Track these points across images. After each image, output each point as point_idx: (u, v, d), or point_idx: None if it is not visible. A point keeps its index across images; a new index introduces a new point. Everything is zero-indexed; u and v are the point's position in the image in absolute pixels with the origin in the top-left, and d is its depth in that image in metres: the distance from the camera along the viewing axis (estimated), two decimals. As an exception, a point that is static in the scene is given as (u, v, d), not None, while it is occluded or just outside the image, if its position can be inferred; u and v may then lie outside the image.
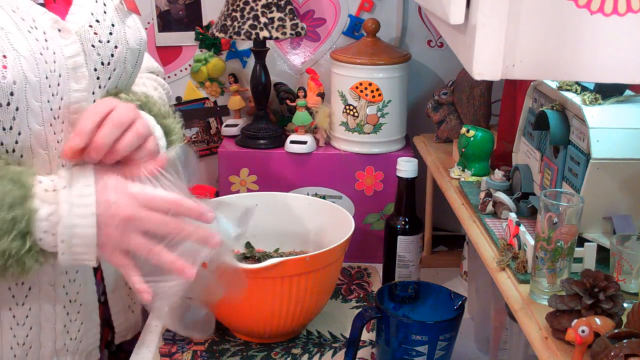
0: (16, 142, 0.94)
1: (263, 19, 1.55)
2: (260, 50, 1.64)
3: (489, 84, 1.54)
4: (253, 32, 1.55)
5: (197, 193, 1.66)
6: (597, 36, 0.68)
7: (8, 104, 0.91)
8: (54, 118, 0.97)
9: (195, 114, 1.82)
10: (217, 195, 1.67)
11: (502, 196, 1.19)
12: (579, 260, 1.00)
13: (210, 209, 0.97)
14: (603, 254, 1.00)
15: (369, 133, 1.63)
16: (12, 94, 0.90)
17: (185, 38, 1.77)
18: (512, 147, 1.29)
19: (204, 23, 1.75)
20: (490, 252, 1.09)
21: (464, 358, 1.30)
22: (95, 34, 1.01)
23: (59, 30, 0.97)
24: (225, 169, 1.68)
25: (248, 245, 1.41)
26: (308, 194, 1.63)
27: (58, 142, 0.99)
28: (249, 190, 1.67)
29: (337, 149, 1.67)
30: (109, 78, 1.04)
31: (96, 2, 1.03)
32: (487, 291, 1.24)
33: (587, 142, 1.00)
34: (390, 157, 1.62)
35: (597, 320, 0.82)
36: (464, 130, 1.39)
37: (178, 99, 1.81)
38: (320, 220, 1.40)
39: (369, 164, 1.65)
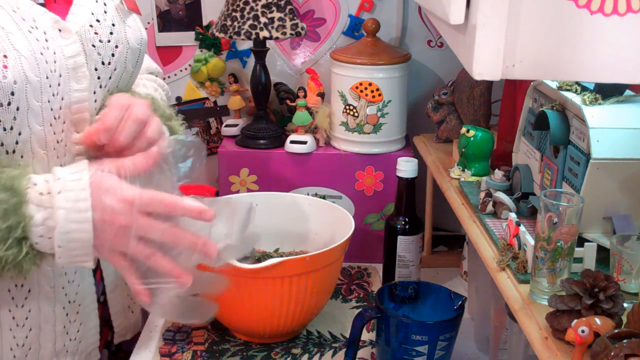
0: (16, 143, 0.94)
1: (263, 19, 1.55)
2: (260, 50, 1.64)
3: (489, 84, 1.54)
4: (253, 32, 1.55)
5: (197, 193, 1.66)
6: (597, 36, 0.68)
7: (9, 103, 0.91)
8: (54, 118, 0.97)
9: (195, 114, 1.82)
10: (217, 195, 1.67)
11: (502, 196, 1.19)
12: (579, 260, 1.00)
13: (210, 208, 0.96)
14: (603, 254, 1.00)
15: (369, 133, 1.63)
16: (12, 93, 0.90)
17: (185, 38, 1.77)
18: (512, 147, 1.29)
19: (204, 23, 1.75)
20: (490, 252, 1.09)
21: (464, 358, 1.30)
22: (96, 33, 1.01)
23: (60, 30, 0.97)
24: (225, 169, 1.68)
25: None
26: (308, 194, 1.63)
27: (58, 142, 0.99)
28: (249, 190, 1.67)
29: (337, 149, 1.67)
30: (110, 78, 1.04)
31: (96, 1, 1.03)
32: (487, 291, 1.24)
33: (587, 142, 1.00)
34: (390, 157, 1.62)
35: (597, 320, 0.82)
36: (464, 130, 1.39)
37: (178, 99, 1.81)
38: (320, 220, 1.40)
39: (369, 164, 1.65)
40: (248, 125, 1.71)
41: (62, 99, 0.97)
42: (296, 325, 1.28)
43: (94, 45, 1.01)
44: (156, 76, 1.29)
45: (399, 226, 1.39)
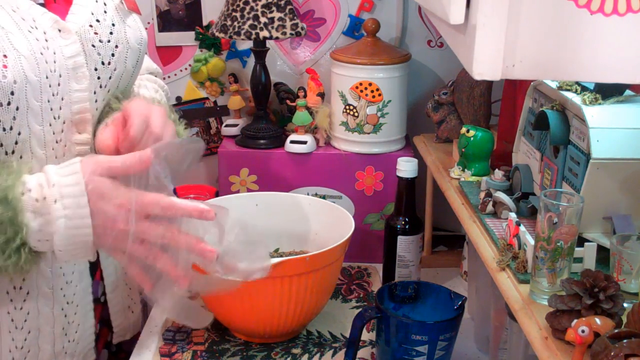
0: (16, 143, 0.94)
1: (263, 19, 1.55)
2: (260, 50, 1.64)
3: (489, 84, 1.54)
4: (253, 32, 1.55)
5: (197, 193, 1.67)
6: (597, 36, 0.68)
7: (9, 103, 0.90)
8: (54, 118, 0.97)
9: (195, 114, 1.82)
10: (217, 195, 1.67)
11: (502, 196, 1.19)
12: (579, 260, 1.00)
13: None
14: (603, 254, 1.00)
15: (369, 133, 1.63)
16: (12, 93, 0.90)
17: (185, 38, 1.77)
18: (512, 147, 1.29)
19: (204, 23, 1.75)
20: (490, 252, 1.09)
21: (464, 358, 1.30)
22: (96, 33, 1.01)
23: (59, 30, 0.97)
24: (225, 169, 1.68)
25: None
26: (308, 194, 1.63)
27: (57, 142, 0.99)
28: (249, 190, 1.67)
29: (337, 149, 1.67)
30: (110, 78, 1.04)
31: (96, 1, 1.03)
32: (487, 291, 1.24)
33: (587, 142, 1.00)
34: (390, 157, 1.62)
35: (597, 320, 0.82)
36: (464, 130, 1.39)
37: (178, 99, 1.81)
38: (320, 220, 1.40)
39: (369, 164, 1.65)
40: (248, 125, 1.71)
41: (62, 99, 0.97)
42: (296, 325, 1.28)
43: (93, 45, 1.01)
44: (156, 76, 1.29)
45: (399, 226, 1.39)
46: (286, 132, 1.71)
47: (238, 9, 1.55)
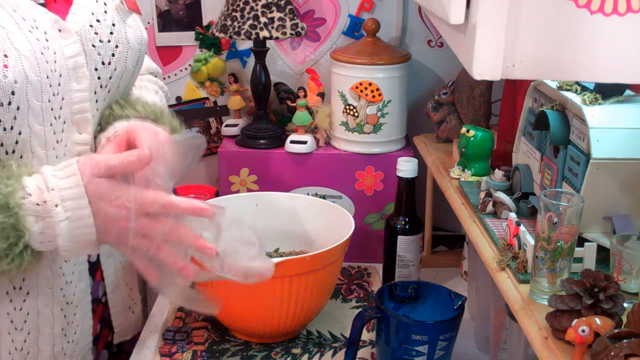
0: (16, 143, 0.94)
1: (263, 19, 1.55)
2: (260, 50, 1.64)
3: (489, 84, 1.54)
4: (253, 32, 1.55)
5: (197, 193, 1.67)
6: (597, 36, 0.68)
7: (9, 103, 0.90)
8: (55, 118, 0.97)
9: (195, 114, 1.82)
10: (217, 195, 1.67)
11: (502, 196, 1.19)
12: (579, 260, 1.00)
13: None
14: (603, 254, 1.00)
15: (369, 133, 1.63)
16: (13, 93, 0.90)
17: (185, 38, 1.77)
18: (512, 147, 1.29)
19: (204, 23, 1.75)
20: (490, 252, 1.09)
21: (464, 358, 1.30)
22: (96, 33, 1.01)
23: (60, 30, 0.97)
24: (225, 169, 1.68)
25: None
26: (308, 194, 1.63)
27: (58, 142, 0.99)
28: (249, 190, 1.67)
29: (337, 149, 1.67)
30: (110, 78, 1.04)
31: (97, 1, 1.03)
32: (487, 291, 1.24)
33: (587, 142, 1.00)
34: (390, 157, 1.62)
35: (597, 320, 0.82)
36: (464, 130, 1.39)
37: (178, 99, 1.81)
38: (320, 220, 1.40)
39: (369, 164, 1.65)
40: (248, 125, 1.71)
41: (63, 98, 0.97)
42: (296, 325, 1.28)
43: (94, 45, 1.01)
44: (156, 76, 1.29)
45: (399, 226, 1.39)
46: (286, 132, 1.71)
47: (238, 9, 1.55)
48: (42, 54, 0.93)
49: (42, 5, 0.98)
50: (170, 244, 0.94)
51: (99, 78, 1.02)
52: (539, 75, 0.72)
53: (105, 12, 1.03)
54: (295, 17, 1.59)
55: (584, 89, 1.08)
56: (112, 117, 1.05)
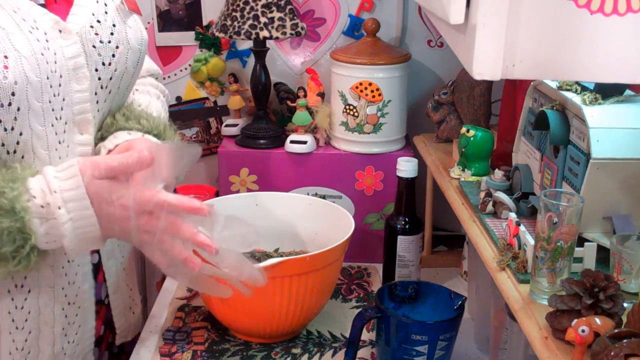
0: (17, 143, 0.94)
1: (263, 19, 1.55)
2: (260, 50, 1.64)
3: (489, 84, 1.54)
4: (253, 32, 1.55)
5: (197, 193, 1.67)
6: (597, 36, 0.68)
7: (10, 104, 0.91)
8: (56, 119, 0.97)
9: (195, 114, 1.82)
10: (217, 195, 1.67)
11: (502, 196, 1.19)
12: (579, 260, 1.00)
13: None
14: (603, 254, 1.00)
15: (369, 133, 1.63)
16: (13, 94, 0.90)
17: (185, 38, 1.77)
18: (512, 147, 1.29)
19: (204, 23, 1.75)
20: (490, 252, 1.09)
21: (464, 358, 1.30)
22: (97, 34, 1.01)
23: (60, 31, 0.97)
24: (225, 169, 1.68)
25: (248, 245, 1.41)
26: (308, 194, 1.63)
27: (60, 142, 0.99)
28: (249, 190, 1.67)
29: (337, 149, 1.67)
30: (111, 78, 1.04)
31: (97, 2, 1.03)
32: (487, 291, 1.24)
33: (587, 142, 1.00)
34: (390, 157, 1.62)
35: (597, 320, 0.82)
36: (464, 130, 1.39)
37: (178, 99, 1.81)
38: (320, 220, 1.40)
39: (369, 163, 1.65)
40: (248, 125, 1.71)
41: (64, 99, 0.98)
42: (296, 325, 1.28)
43: (94, 46, 1.01)
44: (156, 78, 1.29)
45: (399, 226, 1.39)
46: (286, 132, 1.71)
47: (238, 8, 1.55)
48: (42, 54, 0.93)
49: (43, 6, 0.98)
50: (172, 238, 0.96)
51: (99, 79, 1.02)
52: (539, 75, 0.72)
53: (106, 12, 1.03)
54: (295, 17, 1.59)
55: (584, 89, 1.08)
56: (115, 128, 1.06)
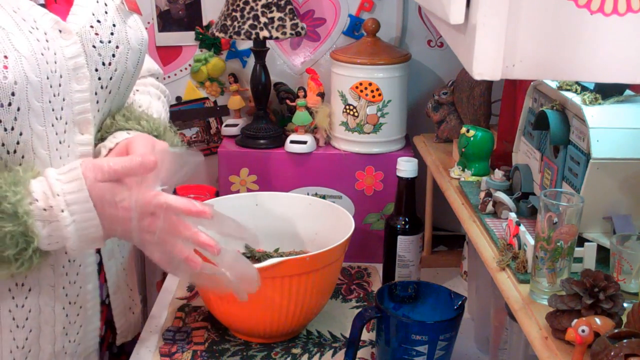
0: (17, 143, 0.94)
1: (263, 19, 1.55)
2: (260, 50, 1.64)
3: (489, 84, 1.54)
4: (253, 32, 1.55)
5: (197, 193, 1.67)
6: (597, 36, 0.68)
7: (9, 104, 0.91)
8: (56, 119, 0.97)
9: (195, 114, 1.82)
10: (217, 195, 1.67)
11: (502, 196, 1.19)
12: (579, 260, 1.00)
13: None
14: (603, 254, 1.00)
15: (369, 133, 1.63)
16: (13, 94, 0.90)
17: (185, 38, 1.76)
18: (512, 147, 1.29)
19: (204, 23, 1.75)
20: (490, 252, 1.09)
21: (464, 358, 1.30)
22: (97, 34, 1.01)
23: (60, 31, 0.97)
24: (225, 169, 1.68)
25: (247, 245, 1.41)
26: (308, 194, 1.63)
27: (60, 142, 0.99)
28: (249, 190, 1.67)
29: (337, 149, 1.67)
30: (111, 78, 1.04)
31: (97, 2, 1.03)
32: (487, 291, 1.24)
33: (587, 142, 1.00)
34: (390, 157, 1.62)
35: (597, 320, 0.82)
36: (464, 130, 1.39)
37: (178, 99, 1.81)
38: (320, 220, 1.40)
39: (369, 163, 1.65)
40: (248, 125, 1.71)
41: (64, 99, 0.98)
42: (296, 325, 1.28)
43: (94, 46, 1.01)
44: (157, 78, 1.29)
45: (399, 226, 1.39)
46: (286, 132, 1.71)
47: (238, 8, 1.55)
48: (42, 54, 0.93)
49: (43, 5, 0.98)
50: (173, 237, 0.96)
51: (99, 79, 1.02)
52: (539, 75, 0.72)
53: (106, 12, 1.03)
54: (295, 17, 1.59)
55: (584, 89, 1.08)
56: (115, 128, 1.06)
